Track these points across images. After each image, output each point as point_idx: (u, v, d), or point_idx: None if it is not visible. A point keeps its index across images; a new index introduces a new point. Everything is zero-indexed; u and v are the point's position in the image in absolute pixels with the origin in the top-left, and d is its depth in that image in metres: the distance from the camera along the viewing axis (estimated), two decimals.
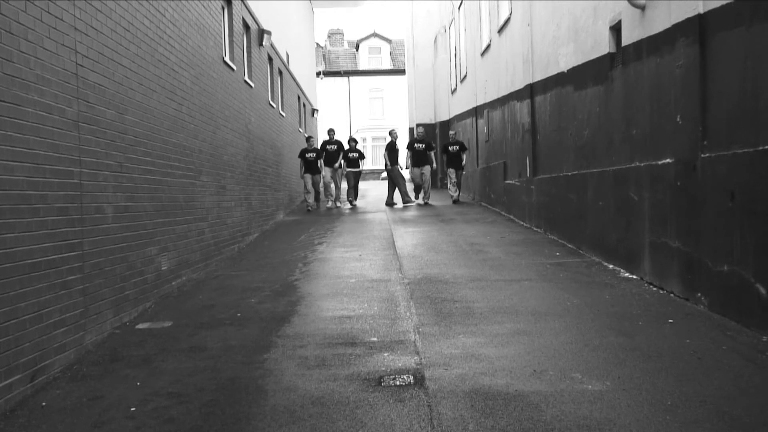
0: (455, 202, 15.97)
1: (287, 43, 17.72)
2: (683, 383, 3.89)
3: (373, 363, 4.47)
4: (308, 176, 16.15)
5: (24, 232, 4.17)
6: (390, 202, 16.34)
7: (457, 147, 15.89)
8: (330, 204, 16.68)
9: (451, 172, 16.04)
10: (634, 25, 6.76)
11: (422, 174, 16.01)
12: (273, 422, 3.58)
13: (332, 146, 16.70)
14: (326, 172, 16.52)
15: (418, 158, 16.04)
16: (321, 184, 16.81)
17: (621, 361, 4.32)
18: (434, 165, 16.41)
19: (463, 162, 16.05)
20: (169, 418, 3.70)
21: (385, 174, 20.49)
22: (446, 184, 23.63)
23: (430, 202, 16.13)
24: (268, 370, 4.42)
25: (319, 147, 17.03)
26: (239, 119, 10.83)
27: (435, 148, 16.98)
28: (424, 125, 19.85)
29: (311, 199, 16.28)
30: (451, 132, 16.86)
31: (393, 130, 17.34)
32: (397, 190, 16.55)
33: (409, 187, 17.43)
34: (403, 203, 16.08)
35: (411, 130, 25.61)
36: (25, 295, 4.16)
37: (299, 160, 16.44)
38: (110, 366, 4.69)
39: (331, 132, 17.11)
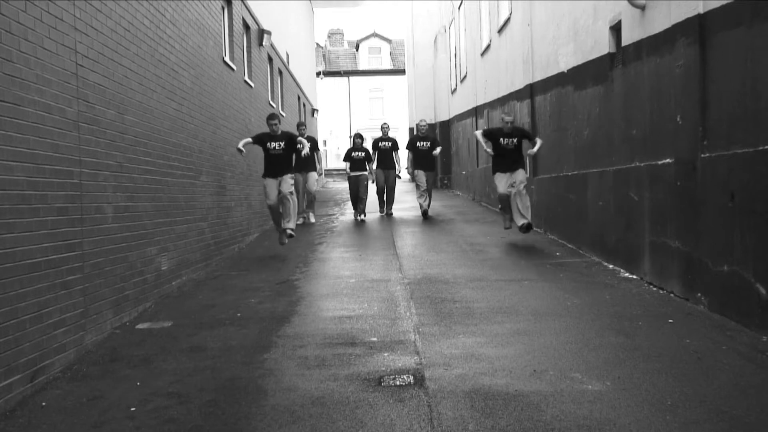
0: (527, 227, 9.05)
1: (287, 43, 17.72)
2: (683, 383, 3.89)
3: (373, 363, 4.47)
4: (270, 181, 9.22)
5: (24, 232, 4.17)
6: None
7: (515, 140, 9.22)
8: (300, 220, 11.98)
9: (501, 178, 9.23)
10: (634, 25, 6.76)
11: (427, 179, 12.79)
12: (273, 422, 3.58)
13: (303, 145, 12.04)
14: (296, 180, 11.22)
15: (423, 159, 12.76)
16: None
17: (621, 361, 4.32)
18: (436, 152, 12.76)
19: (533, 151, 9.12)
20: (169, 418, 3.70)
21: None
22: (447, 184, 23.02)
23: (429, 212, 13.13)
24: (268, 370, 4.42)
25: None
26: (239, 119, 10.82)
27: (441, 145, 13.43)
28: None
29: (275, 216, 9.59)
30: (506, 118, 9.22)
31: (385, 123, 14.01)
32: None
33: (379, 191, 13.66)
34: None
35: (411, 130, 25.48)
36: (25, 295, 4.16)
37: (259, 149, 9.74)
38: (110, 366, 4.68)
39: (301, 127, 12.25)
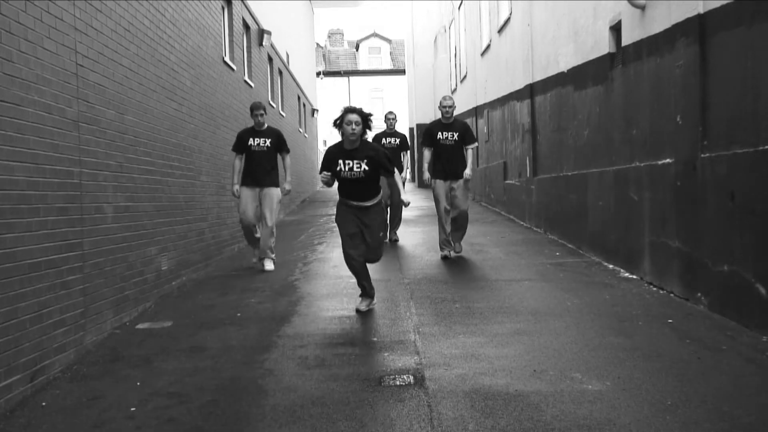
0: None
1: (287, 43, 17.72)
2: (683, 383, 3.89)
3: (373, 363, 4.47)
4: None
5: (24, 232, 4.17)
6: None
7: None
8: (254, 259, 8.38)
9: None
10: (634, 25, 6.76)
11: (453, 193, 7.94)
12: (273, 422, 3.57)
13: (262, 141, 7.90)
14: (245, 198, 7.87)
15: (447, 162, 7.95)
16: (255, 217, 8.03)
17: (621, 361, 4.32)
18: (468, 171, 7.95)
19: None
20: (169, 418, 3.70)
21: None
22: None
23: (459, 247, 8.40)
24: (268, 370, 4.42)
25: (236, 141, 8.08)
26: (239, 119, 10.82)
27: (476, 140, 8.89)
28: (424, 125, 18.41)
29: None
30: None
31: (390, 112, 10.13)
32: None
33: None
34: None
35: (411, 131, 25.35)
36: (25, 295, 4.15)
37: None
38: (110, 366, 4.68)
39: (258, 111, 7.85)
